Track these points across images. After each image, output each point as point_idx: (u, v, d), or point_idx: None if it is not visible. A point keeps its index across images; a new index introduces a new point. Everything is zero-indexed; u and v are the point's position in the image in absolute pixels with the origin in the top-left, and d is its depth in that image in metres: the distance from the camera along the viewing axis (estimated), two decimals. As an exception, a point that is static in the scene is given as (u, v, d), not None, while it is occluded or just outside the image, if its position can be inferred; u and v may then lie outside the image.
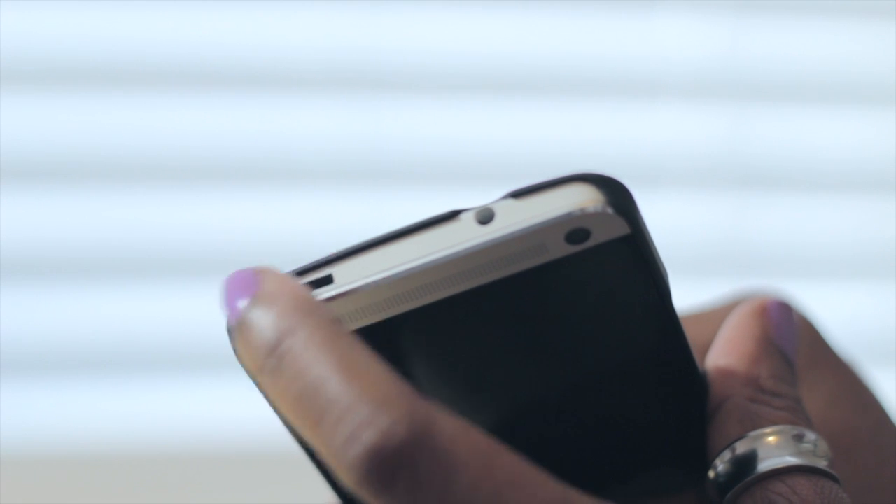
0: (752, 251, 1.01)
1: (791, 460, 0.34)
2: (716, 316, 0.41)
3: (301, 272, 0.34)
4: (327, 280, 0.34)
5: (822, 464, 0.35)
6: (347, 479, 0.29)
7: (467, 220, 0.33)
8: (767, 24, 1.01)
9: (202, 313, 0.94)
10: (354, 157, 0.95)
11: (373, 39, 0.96)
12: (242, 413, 0.94)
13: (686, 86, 1.00)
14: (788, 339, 0.38)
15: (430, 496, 0.29)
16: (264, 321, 0.31)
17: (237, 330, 0.31)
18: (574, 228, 0.33)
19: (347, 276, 0.33)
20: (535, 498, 0.30)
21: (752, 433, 0.35)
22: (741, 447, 0.35)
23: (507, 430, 0.37)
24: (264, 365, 0.30)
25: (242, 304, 0.31)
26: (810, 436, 0.35)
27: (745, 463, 0.35)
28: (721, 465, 0.35)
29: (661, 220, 0.99)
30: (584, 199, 0.33)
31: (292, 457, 0.93)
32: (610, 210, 0.33)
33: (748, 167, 1.01)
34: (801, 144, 1.01)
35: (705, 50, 1.00)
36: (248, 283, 0.31)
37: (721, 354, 0.37)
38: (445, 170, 0.96)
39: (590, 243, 0.33)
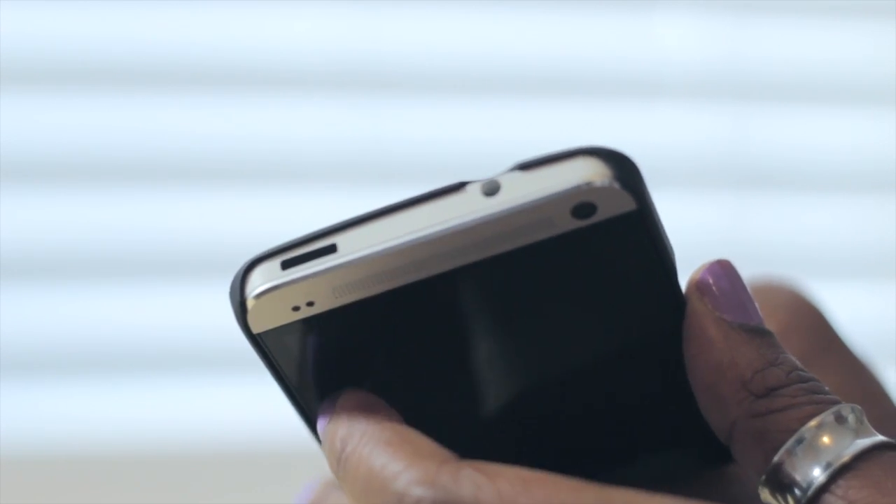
0: (752, 251, 1.01)
1: (852, 450, 0.33)
2: None
3: (305, 241, 0.34)
4: (331, 249, 0.33)
5: (878, 436, 0.33)
6: None
7: (473, 191, 0.33)
8: (767, 24, 1.01)
9: (202, 313, 0.93)
10: (354, 158, 0.95)
11: (373, 39, 0.96)
12: (242, 413, 0.94)
13: (686, 86, 1.00)
14: (738, 303, 0.35)
15: None
16: (331, 437, 0.35)
17: (323, 447, 0.36)
18: (580, 203, 0.32)
19: (351, 246, 0.33)
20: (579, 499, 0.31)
21: (781, 456, 0.33)
22: (789, 471, 0.33)
23: (510, 408, 0.37)
24: (337, 472, 0.35)
25: (322, 425, 0.36)
26: (845, 410, 0.33)
27: (805, 483, 0.33)
28: (790, 496, 0.33)
29: (661, 220, 0.99)
30: (591, 173, 0.32)
31: (293, 457, 0.92)
32: (617, 185, 0.33)
33: (748, 167, 1.01)
34: (802, 144, 1.01)
35: (705, 50, 1.00)
36: (327, 408, 0.36)
37: (693, 375, 0.35)
38: (445, 170, 0.96)
39: (596, 218, 0.33)
